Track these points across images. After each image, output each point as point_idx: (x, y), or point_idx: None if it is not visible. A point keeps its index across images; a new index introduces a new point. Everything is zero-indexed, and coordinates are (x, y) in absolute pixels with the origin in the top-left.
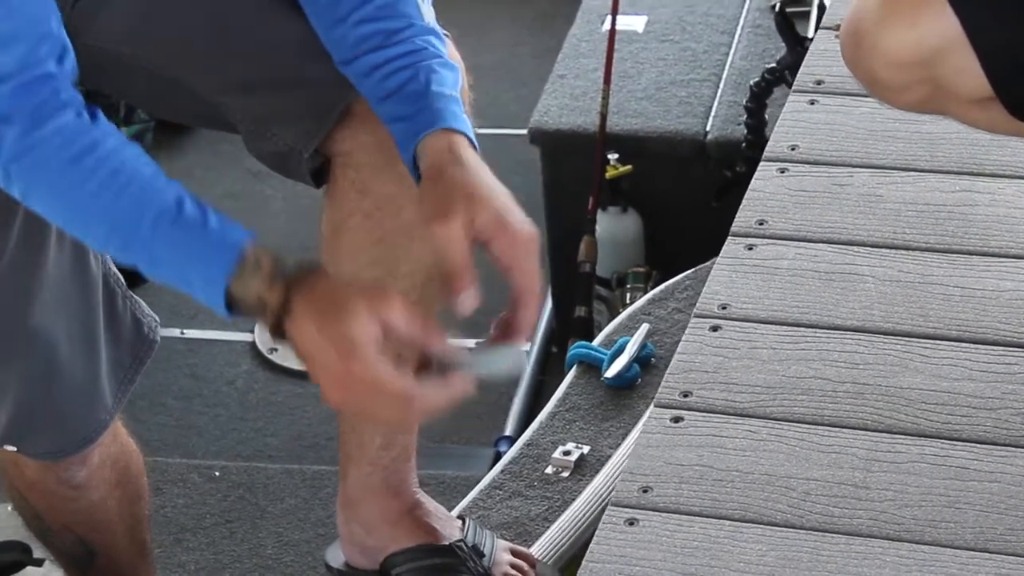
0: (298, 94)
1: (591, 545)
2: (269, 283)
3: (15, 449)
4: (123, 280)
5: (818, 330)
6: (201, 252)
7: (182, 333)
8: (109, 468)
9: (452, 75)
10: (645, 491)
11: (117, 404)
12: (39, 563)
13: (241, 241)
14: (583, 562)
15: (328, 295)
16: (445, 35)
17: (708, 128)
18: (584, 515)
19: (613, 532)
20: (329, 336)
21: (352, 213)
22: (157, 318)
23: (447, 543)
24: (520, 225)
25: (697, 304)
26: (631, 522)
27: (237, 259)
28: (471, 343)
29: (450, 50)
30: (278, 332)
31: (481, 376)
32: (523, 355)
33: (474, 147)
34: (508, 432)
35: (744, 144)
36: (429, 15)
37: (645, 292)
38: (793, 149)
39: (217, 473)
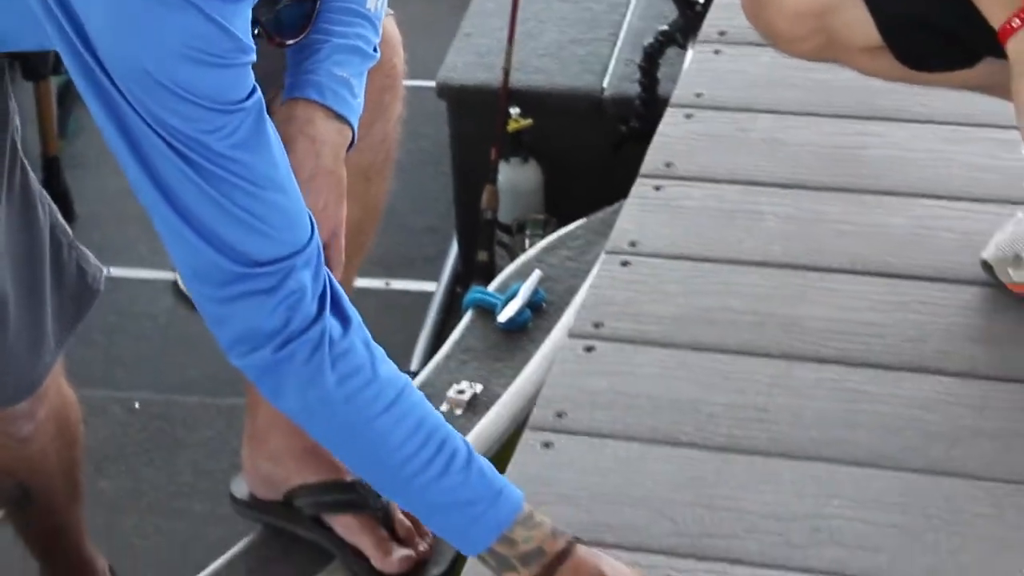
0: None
1: (508, 468)
2: (553, 536)
3: None
4: (69, 230)
5: (722, 264)
6: (490, 497)
7: (108, 271)
8: (52, 421)
9: (358, 59)
10: (560, 416)
11: (59, 347)
12: None
13: (520, 494)
14: None
15: (601, 560)
16: (388, 13)
17: (605, 85)
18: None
19: (529, 455)
20: None
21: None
22: (103, 268)
23: (350, 480)
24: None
25: (608, 241)
26: (546, 445)
27: (523, 510)
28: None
29: (388, 30)
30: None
31: None
32: None
33: (349, 124)
34: (413, 368)
35: (638, 101)
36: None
37: (544, 238)
38: (699, 96)
39: (137, 405)
